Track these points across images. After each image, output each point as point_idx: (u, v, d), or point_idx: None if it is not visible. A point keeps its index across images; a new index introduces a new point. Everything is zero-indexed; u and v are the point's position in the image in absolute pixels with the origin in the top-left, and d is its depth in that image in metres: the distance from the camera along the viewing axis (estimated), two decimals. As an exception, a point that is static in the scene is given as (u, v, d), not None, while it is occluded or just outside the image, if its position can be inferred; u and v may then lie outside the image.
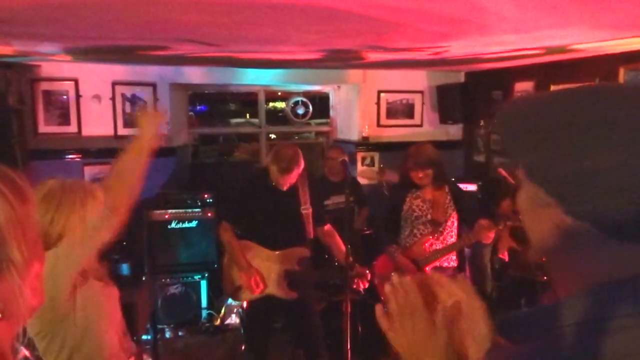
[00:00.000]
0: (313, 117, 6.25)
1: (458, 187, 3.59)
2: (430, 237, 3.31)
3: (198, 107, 9.76)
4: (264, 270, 3.23)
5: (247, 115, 10.39)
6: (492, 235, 3.10)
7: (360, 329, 3.81)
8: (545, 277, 3.51)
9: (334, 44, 3.18)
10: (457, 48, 3.40)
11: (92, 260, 1.81)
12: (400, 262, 3.31)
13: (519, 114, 0.76)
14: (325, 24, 2.44)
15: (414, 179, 3.34)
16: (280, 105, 8.73)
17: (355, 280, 3.16)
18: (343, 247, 3.17)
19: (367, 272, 3.19)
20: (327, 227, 3.38)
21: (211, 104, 10.22)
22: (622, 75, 3.86)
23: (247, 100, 9.00)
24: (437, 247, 3.30)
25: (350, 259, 2.97)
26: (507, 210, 3.81)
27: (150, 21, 2.39)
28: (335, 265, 4.02)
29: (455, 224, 3.39)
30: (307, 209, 3.25)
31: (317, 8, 2.07)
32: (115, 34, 2.75)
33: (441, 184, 3.39)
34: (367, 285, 3.23)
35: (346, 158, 3.61)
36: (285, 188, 3.15)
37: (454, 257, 3.42)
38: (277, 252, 3.23)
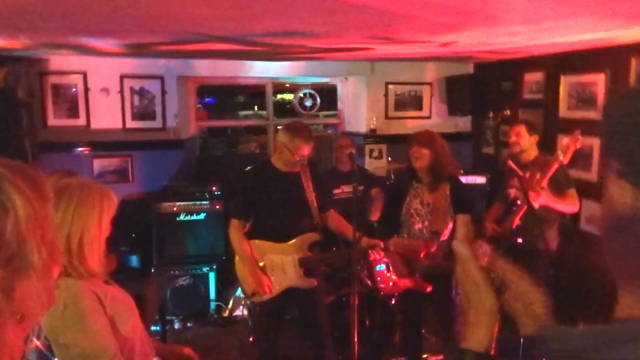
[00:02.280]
0: (321, 108, 6.24)
1: (460, 186, 3.40)
2: (426, 248, 3.20)
3: (206, 99, 9.78)
4: (278, 265, 3.22)
5: (255, 107, 10.40)
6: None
7: (367, 322, 3.81)
8: (521, 240, 3.54)
9: (341, 36, 3.16)
10: (465, 39, 3.37)
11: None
12: (394, 260, 3.30)
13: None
14: (333, 16, 2.43)
15: (412, 160, 3.24)
16: (288, 96, 8.72)
17: (370, 252, 3.16)
18: (350, 227, 3.17)
19: (379, 241, 3.16)
20: (331, 211, 3.39)
21: (219, 96, 10.24)
22: (634, 66, 3.81)
23: (255, 92, 9.02)
24: (432, 251, 3.23)
25: (358, 234, 2.97)
26: (492, 219, 3.83)
27: (158, 15, 2.39)
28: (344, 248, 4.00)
29: (451, 226, 3.24)
30: (310, 193, 3.25)
31: (325, 0, 2.06)
32: (125, 27, 2.76)
33: (440, 178, 3.24)
34: (382, 255, 3.21)
35: (354, 150, 3.59)
36: (306, 154, 3.11)
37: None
38: (288, 243, 3.23)
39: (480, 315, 1.10)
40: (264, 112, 6.26)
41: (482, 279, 1.16)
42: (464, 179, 4.09)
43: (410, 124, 5.64)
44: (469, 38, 3.31)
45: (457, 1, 2.13)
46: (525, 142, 3.72)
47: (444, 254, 3.21)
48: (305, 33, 3.02)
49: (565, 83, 4.46)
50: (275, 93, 5.99)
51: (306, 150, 3.09)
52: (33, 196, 0.75)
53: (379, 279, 3.44)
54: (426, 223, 3.24)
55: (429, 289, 3.22)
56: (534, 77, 4.84)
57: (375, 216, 4.42)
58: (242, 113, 10.46)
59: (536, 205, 3.36)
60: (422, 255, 3.21)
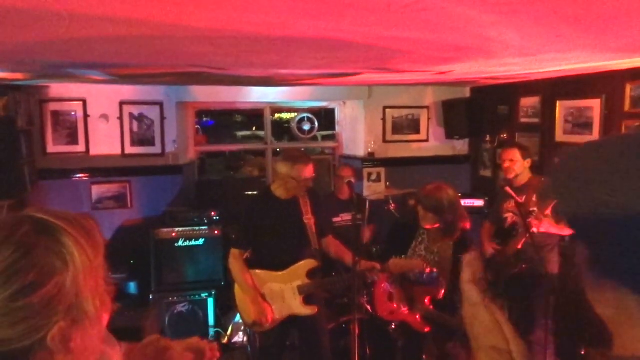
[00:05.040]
0: (319, 129, 6.28)
1: (465, 238, 3.24)
2: (429, 293, 3.17)
3: (205, 120, 9.82)
4: (278, 294, 3.22)
5: (254, 127, 10.44)
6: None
7: (368, 349, 3.79)
8: (524, 265, 3.52)
9: (339, 67, 3.20)
10: (462, 69, 3.41)
11: None
12: (397, 293, 3.29)
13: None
14: (330, 51, 2.46)
15: (419, 218, 3.18)
16: (286, 116, 8.76)
17: (368, 275, 3.16)
18: (349, 252, 3.19)
19: (377, 264, 3.15)
20: (330, 237, 3.39)
21: (218, 117, 10.28)
22: (629, 91, 3.86)
23: (254, 113, 9.07)
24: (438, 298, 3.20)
25: (357, 259, 2.97)
26: (487, 239, 3.81)
27: (158, 52, 2.42)
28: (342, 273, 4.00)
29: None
30: (309, 219, 3.26)
31: (322, 40, 2.09)
32: (126, 62, 2.79)
33: (447, 235, 3.15)
34: (383, 279, 3.19)
35: (353, 179, 3.61)
36: (310, 176, 3.13)
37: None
38: (286, 271, 3.23)
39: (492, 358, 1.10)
40: (262, 133, 6.27)
41: (493, 322, 1.15)
42: (462, 202, 4.08)
43: (408, 147, 5.67)
44: (465, 68, 3.35)
45: (454, 39, 2.16)
46: (520, 166, 3.72)
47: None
48: (303, 66, 3.06)
49: (561, 108, 4.50)
50: (273, 112, 6.01)
51: (308, 172, 3.12)
52: (89, 248, 0.79)
53: (378, 304, 3.44)
54: (428, 270, 3.21)
55: (426, 330, 3.20)
56: (530, 102, 4.89)
57: (365, 238, 4.49)
58: (241, 134, 10.49)
59: (536, 231, 3.36)
60: (427, 301, 3.19)
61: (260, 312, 3.14)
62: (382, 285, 3.39)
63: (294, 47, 2.28)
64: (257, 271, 3.24)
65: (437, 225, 3.13)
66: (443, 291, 3.17)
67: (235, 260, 3.22)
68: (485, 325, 1.11)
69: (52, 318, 0.75)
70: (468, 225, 3.21)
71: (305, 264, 3.25)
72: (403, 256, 3.18)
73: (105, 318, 0.85)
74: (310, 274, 3.27)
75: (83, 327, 0.78)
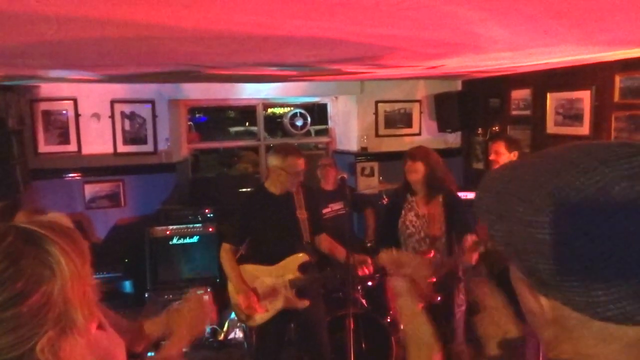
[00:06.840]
0: (312, 123, 6.28)
1: (453, 197, 3.37)
2: (428, 254, 3.23)
3: (197, 116, 9.78)
4: (269, 288, 3.24)
5: (247, 123, 10.42)
6: (475, 256, 3.04)
7: (364, 344, 3.81)
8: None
9: (330, 64, 3.20)
10: (452, 63, 3.43)
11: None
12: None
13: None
14: (322, 49, 2.46)
15: (407, 174, 3.30)
16: (279, 110, 8.74)
17: (358, 268, 3.16)
18: (342, 248, 3.22)
19: (368, 258, 3.16)
20: (323, 235, 3.42)
21: (210, 113, 10.25)
22: (618, 82, 3.89)
23: (246, 108, 9.05)
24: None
25: (351, 255, 2.99)
26: (483, 234, 3.84)
27: (150, 52, 2.42)
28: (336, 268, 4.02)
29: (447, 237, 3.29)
30: (302, 214, 3.28)
31: (314, 38, 2.09)
32: (115, 62, 2.78)
33: (435, 191, 3.26)
34: (371, 271, 3.21)
35: (345, 175, 3.62)
36: (301, 169, 3.16)
37: None
38: (277, 265, 3.25)
39: (420, 347, 1.11)
40: (255, 128, 6.26)
41: (417, 311, 1.16)
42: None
43: (401, 141, 5.69)
44: (456, 62, 3.37)
45: (443, 35, 2.17)
46: (504, 159, 3.71)
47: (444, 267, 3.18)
48: (293, 64, 3.06)
49: (552, 99, 4.53)
50: (265, 107, 6.00)
51: (300, 165, 3.14)
52: (76, 256, 0.79)
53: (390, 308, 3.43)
54: (422, 234, 3.26)
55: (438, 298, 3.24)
56: (521, 94, 4.91)
57: (370, 237, 4.47)
58: (233, 129, 10.47)
59: None
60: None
61: (248, 306, 3.17)
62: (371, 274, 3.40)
63: (284, 46, 2.29)
64: (249, 266, 3.26)
65: (424, 175, 3.22)
66: (433, 252, 3.18)
67: (226, 255, 3.25)
68: (412, 314, 1.12)
69: (41, 328, 0.74)
70: (456, 187, 3.33)
71: (297, 258, 3.27)
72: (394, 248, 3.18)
73: (94, 327, 0.84)
74: (302, 268, 3.29)
75: (72, 336, 0.78)
